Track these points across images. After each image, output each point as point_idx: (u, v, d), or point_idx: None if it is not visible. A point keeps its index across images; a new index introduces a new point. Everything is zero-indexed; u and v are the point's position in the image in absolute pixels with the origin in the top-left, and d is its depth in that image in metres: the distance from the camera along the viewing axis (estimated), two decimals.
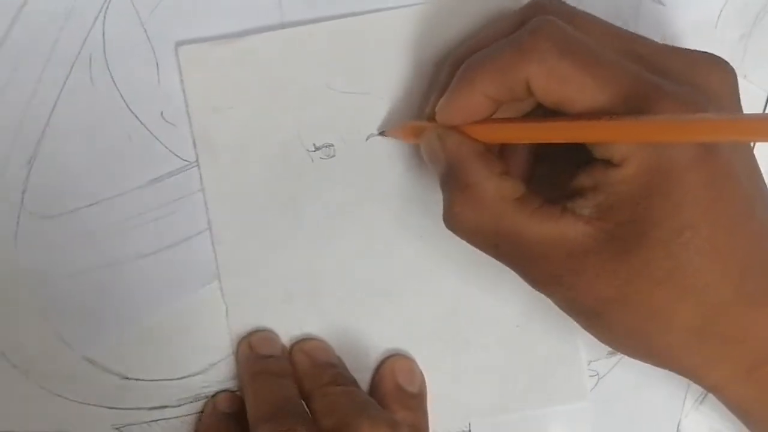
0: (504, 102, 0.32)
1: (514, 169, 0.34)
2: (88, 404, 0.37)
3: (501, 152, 0.35)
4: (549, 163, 0.35)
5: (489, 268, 0.38)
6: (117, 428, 0.37)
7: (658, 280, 0.30)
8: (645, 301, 0.31)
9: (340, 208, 0.37)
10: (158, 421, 0.38)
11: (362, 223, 0.38)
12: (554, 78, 0.30)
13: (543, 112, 0.32)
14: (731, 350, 0.32)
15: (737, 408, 0.34)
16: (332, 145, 0.37)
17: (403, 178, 0.38)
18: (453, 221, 0.32)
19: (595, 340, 0.38)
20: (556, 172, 0.33)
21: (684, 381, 0.38)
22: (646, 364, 0.38)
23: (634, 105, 0.29)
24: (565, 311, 0.33)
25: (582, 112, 0.30)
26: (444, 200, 0.33)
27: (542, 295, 0.37)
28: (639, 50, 0.31)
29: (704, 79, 0.31)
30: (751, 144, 0.33)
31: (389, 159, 0.37)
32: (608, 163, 0.30)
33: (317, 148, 0.37)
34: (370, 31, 0.37)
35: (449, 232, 0.37)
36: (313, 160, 0.37)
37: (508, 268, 0.37)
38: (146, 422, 0.38)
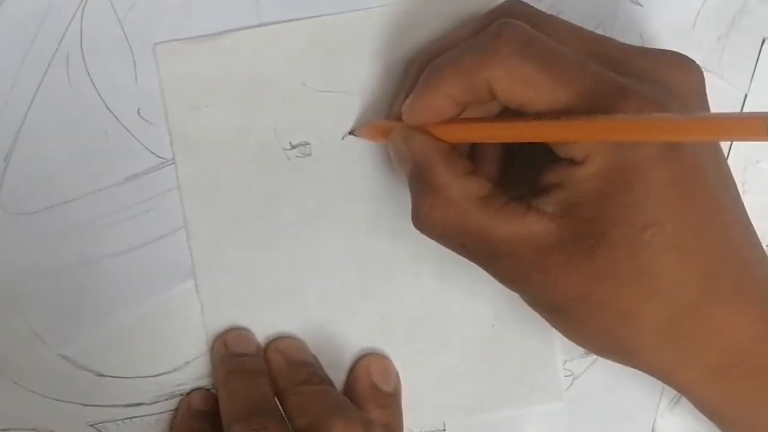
0: (468, 103, 0.32)
1: (484, 168, 0.35)
2: (63, 401, 0.37)
3: (471, 151, 0.35)
4: (520, 161, 0.35)
5: (465, 268, 0.38)
6: (92, 425, 0.37)
7: (623, 280, 0.30)
8: (611, 300, 0.30)
9: (316, 207, 0.37)
10: (133, 419, 0.38)
11: (338, 222, 0.38)
12: (515, 80, 0.30)
13: (511, 112, 0.32)
14: (700, 351, 0.31)
15: (707, 409, 0.34)
16: (308, 144, 0.37)
17: (379, 176, 0.38)
18: (420, 222, 0.33)
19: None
20: (527, 171, 0.33)
21: (659, 381, 0.39)
22: (621, 365, 0.38)
23: (596, 104, 0.29)
24: (534, 308, 0.33)
25: (542, 113, 0.30)
26: (412, 201, 0.33)
27: (517, 295, 0.38)
28: (603, 51, 0.32)
29: (670, 78, 0.31)
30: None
31: (365, 158, 0.37)
32: (571, 162, 0.30)
33: (293, 147, 0.37)
34: (347, 30, 0.37)
35: None
36: (289, 159, 0.37)
37: (483, 270, 0.37)
38: (121, 419, 0.38)
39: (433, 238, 0.33)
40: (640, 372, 0.38)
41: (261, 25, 0.37)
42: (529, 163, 0.33)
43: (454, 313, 0.38)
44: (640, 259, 0.30)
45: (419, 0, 0.37)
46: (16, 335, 0.37)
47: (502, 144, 0.35)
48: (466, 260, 0.37)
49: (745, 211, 0.33)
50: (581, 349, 0.38)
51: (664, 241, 0.30)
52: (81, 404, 0.37)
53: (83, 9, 0.36)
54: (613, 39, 0.33)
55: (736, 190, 0.33)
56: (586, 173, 0.30)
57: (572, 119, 0.29)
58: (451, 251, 0.36)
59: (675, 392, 0.38)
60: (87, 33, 0.36)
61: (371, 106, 0.37)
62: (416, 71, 0.34)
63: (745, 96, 0.38)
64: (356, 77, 0.37)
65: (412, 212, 0.33)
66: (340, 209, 0.38)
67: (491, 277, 0.38)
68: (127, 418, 0.38)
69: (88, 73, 0.36)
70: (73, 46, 0.36)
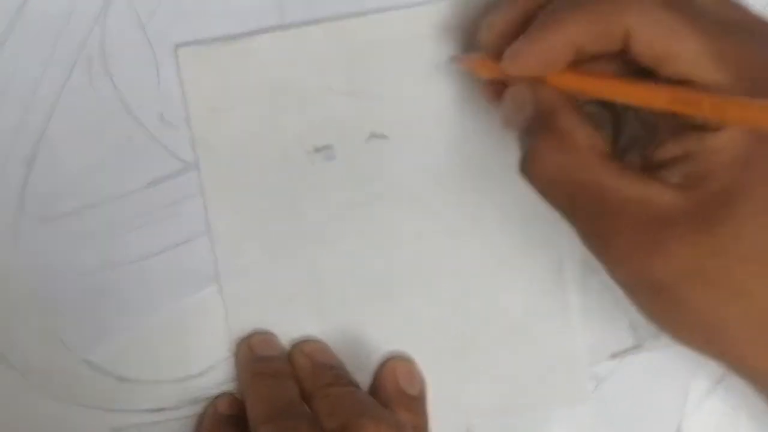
0: (592, 54, 0.30)
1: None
2: (87, 406, 0.37)
3: None
4: (632, 133, 0.33)
5: (490, 271, 0.38)
6: (115, 430, 0.37)
7: (743, 257, 0.28)
8: (725, 279, 0.29)
9: (340, 210, 0.37)
10: (157, 424, 0.38)
11: (362, 225, 0.38)
12: (660, 30, 0.28)
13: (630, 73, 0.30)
14: None
15: None
16: (332, 147, 0.37)
17: (402, 179, 0.37)
18: (534, 166, 0.30)
19: (596, 342, 0.38)
20: (640, 142, 0.31)
21: (685, 383, 0.39)
22: (645, 368, 0.38)
23: (751, 90, 0.27)
24: (625, 286, 0.31)
25: (684, 73, 0.28)
26: (525, 147, 0.31)
27: (543, 297, 0.38)
28: (746, 20, 0.30)
29: None
30: None
31: (389, 160, 0.37)
32: (702, 129, 0.29)
33: (317, 150, 0.37)
34: (370, 32, 0.37)
35: (449, 234, 0.38)
36: (313, 163, 0.37)
37: (510, 269, 0.37)
38: (145, 424, 0.37)
39: (541, 187, 0.31)
40: (666, 375, 0.39)
41: (283, 26, 0.37)
42: (641, 134, 0.31)
43: (478, 315, 0.38)
44: (764, 236, 0.28)
45: (446, 1, 0.36)
46: (40, 341, 0.37)
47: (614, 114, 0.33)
48: (491, 262, 0.37)
49: None
50: (608, 352, 0.38)
51: None
52: (104, 409, 0.37)
53: (105, 13, 0.36)
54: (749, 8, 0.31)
55: None
56: (719, 142, 0.28)
57: (720, 98, 0.27)
58: (476, 253, 0.36)
59: (700, 394, 0.39)
60: (109, 37, 0.36)
61: (395, 108, 0.37)
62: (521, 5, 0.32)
63: None
64: (381, 80, 0.37)
65: (522, 159, 0.31)
66: (364, 212, 0.37)
67: (516, 280, 0.38)
68: (152, 423, 0.37)
69: (111, 78, 0.36)
70: (95, 51, 0.36)
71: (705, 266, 0.29)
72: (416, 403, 0.37)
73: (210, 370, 0.38)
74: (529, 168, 0.31)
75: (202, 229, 0.37)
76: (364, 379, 0.38)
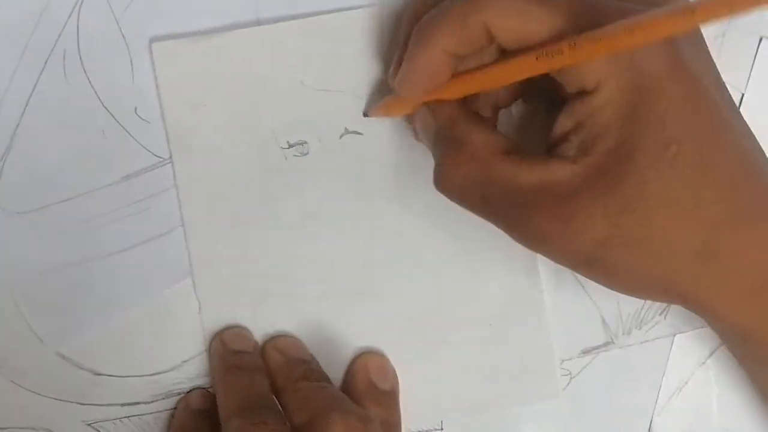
0: (465, 54, 0.32)
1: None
2: (61, 400, 0.37)
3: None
4: (533, 122, 0.34)
5: (464, 267, 0.38)
6: (89, 424, 0.37)
7: (651, 205, 0.30)
8: (641, 230, 0.30)
9: (314, 206, 0.37)
10: (130, 418, 0.38)
11: (336, 221, 0.38)
12: (511, 14, 0.30)
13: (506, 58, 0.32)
14: (734, 270, 0.31)
15: (737, 332, 0.33)
16: (306, 143, 0.37)
17: (376, 175, 0.38)
18: (444, 179, 0.32)
19: (568, 339, 0.38)
20: (539, 130, 0.33)
21: (657, 379, 0.39)
22: (617, 365, 0.39)
23: (590, 23, 0.29)
24: (562, 263, 0.32)
25: (543, 41, 0.30)
26: (435, 162, 0.32)
27: (516, 294, 0.38)
28: None
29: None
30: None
31: (363, 157, 0.37)
32: (584, 94, 0.30)
33: (291, 146, 0.37)
34: (344, 29, 0.37)
35: (423, 231, 0.38)
36: (286, 158, 0.37)
37: (483, 266, 0.37)
38: (119, 418, 0.38)
39: (455, 196, 0.32)
40: (638, 371, 0.39)
41: (258, 22, 0.37)
42: (542, 123, 0.33)
43: (451, 312, 0.38)
44: (665, 180, 0.29)
45: None
46: (13, 334, 0.37)
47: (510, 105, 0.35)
48: (465, 259, 0.38)
49: (750, 130, 0.33)
50: (579, 348, 0.39)
51: (686, 158, 0.29)
52: (78, 403, 0.37)
53: (80, 7, 0.36)
54: None
55: (739, 111, 0.33)
56: (601, 99, 0.29)
57: (574, 38, 0.29)
58: (450, 251, 0.36)
59: (672, 390, 0.39)
60: (83, 31, 0.36)
61: (369, 104, 0.37)
62: (406, 29, 0.34)
63: (742, 95, 0.38)
64: (354, 76, 0.37)
65: (434, 173, 0.32)
66: (338, 208, 0.38)
67: (489, 277, 0.38)
68: (125, 417, 0.38)
69: (85, 72, 0.36)
70: (69, 45, 0.36)
71: (620, 225, 0.30)
72: (388, 398, 0.37)
73: (183, 364, 0.38)
74: (440, 181, 0.32)
75: (176, 224, 0.37)
76: (337, 375, 0.38)
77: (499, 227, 0.32)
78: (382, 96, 0.37)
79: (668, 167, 0.29)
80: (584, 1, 0.30)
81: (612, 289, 0.33)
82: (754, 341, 0.33)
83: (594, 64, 0.29)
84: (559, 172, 0.30)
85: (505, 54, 0.32)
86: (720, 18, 0.26)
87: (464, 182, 0.32)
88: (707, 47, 0.33)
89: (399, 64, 0.33)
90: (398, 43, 0.34)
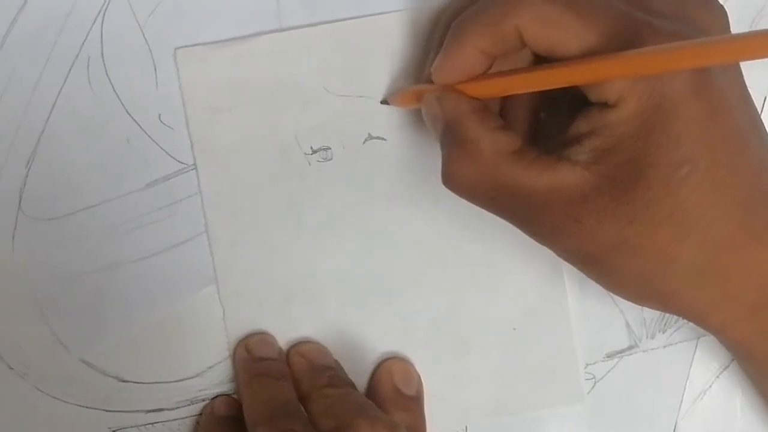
0: (498, 55, 0.32)
1: (516, 126, 0.34)
2: (85, 407, 0.37)
3: (503, 109, 0.35)
4: (552, 118, 0.34)
5: (488, 271, 0.38)
6: (113, 431, 0.37)
7: (659, 221, 0.30)
8: (647, 243, 0.30)
9: (338, 211, 0.37)
10: (155, 424, 0.38)
11: (359, 226, 0.38)
12: (543, 23, 0.30)
13: (540, 63, 0.32)
14: (736, 290, 0.31)
15: (741, 349, 0.33)
16: (329, 148, 0.37)
17: (399, 180, 0.38)
18: (451, 178, 0.32)
19: (592, 343, 0.38)
20: (559, 127, 0.33)
21: (681, 383, 0.39)
22: (641, 369, 0.39)
23: (623, 43, 0.29)
24: (568, 261, 0.33)
25: (573, 56, 0.30)
26: (442, 159, 0.32)
27: (540, 298, 0.38)
28: None
29: (695, 16, 0.31)
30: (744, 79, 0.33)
31: (386, 162, 0.37)
32: (604, 106, 0.30)
33: (314, 151, 0.37)
34: (367, 34, 0.37)
35: (446, 235, 0.38)
36: (310, 163, 0.37)
37: (507, 270, 0.37)
38: (143, 425, 0.38)
39: (463, 195, 0.33)
40: (662, 375, 0.39)
41: (281, 29, 0.37)
42: (561, 119, 0.33)
43: (475, 316, 0.38)
44: (675, 198, 0.30)
45: (440, 3, 0.37)
46: (38, 341, 0.37)
47: (534, 100, 0.35)
48: (488, 263, 0.38)
49: None
50: (603, 352, 0.39)
51: (699, 177, 0.30)
52: (103, 410, 0.37)
53: (104, 14, 0.36)
54: None
55: (765, 131, 0.33)
56: (620, 115, 0.29)
57: (602, 57, 0.29)
58: (472, 255, 0.36)
59: (697, 394, 0.39)
60: (108, 38, 0.36)
61: (392, 110, 0.37)
62: (442, 30, 0.34)
63: (765, 98, 0.38)
64: (377, 81, 0.37)
65: (442, 170, 0.32)
66: (362, 213, 0.38)
67: (513, 281, 0.38)
68: (149, 424, 0.38)
69: (109, 79, 0.36)
70: (93, 52, 0.36)
71: (626, 235, 0.30)
72: (413, 404, 0.37)
73: (208, 370, 0.38)
74: (448, 180, 0.32)
75: (200, 230, 0.37)
76: (361, 381, 0.38)
77: (509, 223, 0.33)
78: (402, 86, 0.37)
79: (679, 186, 0.30)
80: (622, 16, 0.30)
81: (614, 293, 0.34)
82: (756, 358, 0.33)
83: (618, 80, 0.29)
84: (568, 176, 0.30)
85: (538, 59, 0.32)
86: (758, 58, 0.26)
87: (471, 182, 0.32)
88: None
89: (434, 58, 0.33)
90: (435, 40, 0.34)
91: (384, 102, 0.37)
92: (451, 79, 0.33)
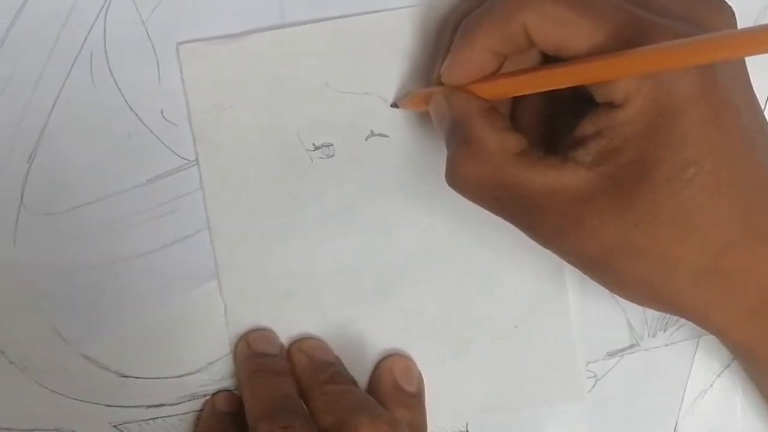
0: (507, 54, 0.32)
1: (525, 128, 0.34)
2: (86, 402, 0.37)
3: (513, 112, 0.35)
4: (561, 121, 0.34)
5: (489, 269, 0.38)
6: (115, 426, 0.37)
7: (663, 222, 0.30)
8: (651, 244, 0.30)
9: (339, 208, 0.38)
10: (156, 420, 0.38)
11: (361, 223, 0.38)
12: (551, 22, 0.30)
13: (549, 63, 0.32)
14: (737, 289, 0.31)
15: (742, 350, 0.33)
16: (331, 145, 0.37)
17: (402, 177, 0.38)
18: (455, 176, 0.32)
19: (593, 341, 0.38)
20: (568, 130, 0.33)
21: (682, 382, 0.39)
22: (642, 367, 0.39)
23: (630, 42, 0.29)
24: (571, 264, 0.33)
25: (581, 54, 0.30)
26: (447, 157, 0.32)
27: (541, 296, 0.38)
28: None
29: (701, 15, 0.31)
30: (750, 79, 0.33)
31: (388, 159, 0.37)
32: (610, 106, 0.30)
33: (317, 148, 0.37)
34: (370, 31, 0.37)
35: (448, 232, 0.38)
36: (312, 160, 0.37)
37: (508, 268, 0.37)
38: (144, 420, 0.38)
39: (467, 194, 0.33)
40: (663, 373, 0.39)
41: (284, 25, 0.37)
42: (570, 121, 0.33)
43: (476, 313, 0.38)
44: (679, 199, 0.30)
45: (441, 0, 0.36)
46: (39, 336, 0.37)
47: (544, 103, 0.35)
48: (489, 260, 0.38)
49: None
50: (604, 350, 0.39)
51: (704, 179, 0.29)
52: (104, 405, 0.37)
53: (107, 9, 0.36)
54: None
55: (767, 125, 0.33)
56: (626, 115, 0.30)
57: (609, 56, 0.29)
58: (473, 252, 0.36)
59: (697, 393, 0.39)
60: (110, 33, 0.36)
61: (397, 97, 0.37)
62: (451, 31, 0.34)
63: None
64: (379, 78, 0.37)
65: (446, 169, 0.32)
66: (363, 210, 0.38)
67: (514, 278, 0.38)
68: (150, 419, 0.38)
69: (112, 74, 0.36)
70: (96, 47, 0.36)
71: (630, 237, 0.30)
72: (414, 401, 0.37)
73: (209, 366, 0.38)
74: (452, 178, 0.32)
75: (201, 226, 0.37)
76: (362, 377, 0.38)
77: (512, 224, 0.33)
78: (411, 89, 0.37)
79: (684, 188, 0.30)
80: (629, 15, 0.30)
81: (617, 294, 0.34)
82: (757, 359, 0.33)
83: (625, 79, 0.29)
84: (573, 177, 0.30)
85: (546, 60, 0.32)
86: (756, 53, 0.26)
87: (476, 181, 0.32)
88: (743, 61, 0.33)
89: (443, 60, 0.33)
90: (444, 42, 0.34)
91: (394, 105, 0.37)
92: (461, 80, 0.33)
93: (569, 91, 0.32)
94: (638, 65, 0.28)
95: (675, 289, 0.31)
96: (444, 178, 0.33)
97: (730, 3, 0.33)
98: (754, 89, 0.33)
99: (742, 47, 0.27)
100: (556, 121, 0.35)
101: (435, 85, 0.34)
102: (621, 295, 0.33)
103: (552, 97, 0.34)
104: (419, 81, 0.37)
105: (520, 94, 0.33)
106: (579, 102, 0.32)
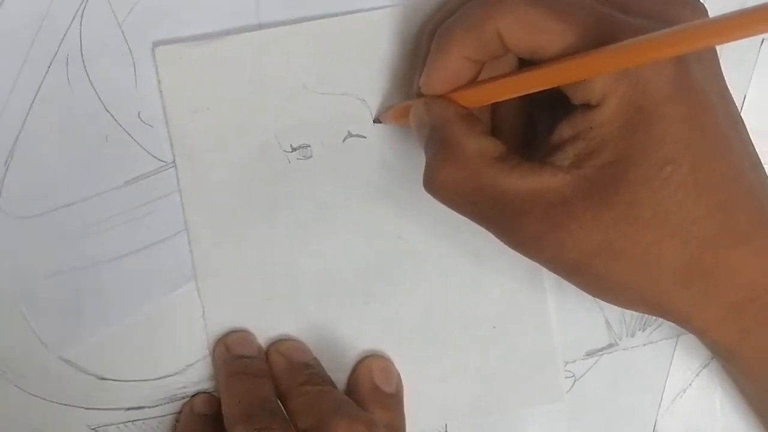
0: (482, 61, 0.32)
1: (506, 131, 0.35)
2: (65, 404, 0.37)
3: (493, 117, 0.35)
4: (542, 123, 0.34)
5: (468, 270, 0.38)
6: (93, 429, 0.37)
7: (642, 222, 0.30)
8: (631, 246, 0.30)
9: (317, 209, 0.37)
10: (135, 422, 0.38)
11: (339, 224, 0.38)
12: (524, 26, 0.30)
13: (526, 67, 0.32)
14: (718, 287, 0.31)
15: (722, 349, 0.33)
16: (309, 146, 0.37)
17: (380, 179, 0.38)
18: (433, 181, 0.32)
19: (572, 341, 0.38)
20: (547, 132, 0.33)
21: (661, 381, 0.39)
22: (621, 367, 0.39)
23: (603, 43, 0.29)
24: (551, 270, 0.33)
25: (554, 57, 0.30)
26: (426, 163, 0.32)
27: (519, 296, 0.38)
28: None
29: (674, 14, 0.31)
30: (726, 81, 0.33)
31: (366, 159, 0.37)
32: (587, 108, 0.30)
33: (294, 149, 0.37)
34: (347, 32, 0.37)
35: (426, 234, 0.38)
36: (290, 161, 0.37)
37: (487, 268, 0.37)
38: (123, 423, 0.38)
39: (444, 199, 0.32)
40: (642, 373, 0.39)
41: (261, 26, 0.37)
42: (551, 126, 0.32)
43: (455, 314, 0.38)
44: (658, 198, 0.30)
45: (419, 1, 0.36)
46: (17, 339, 0.37)
47: (524, 109, 0.35)
48: (468, 262, 0.38)
49: (756, 152, 0.33)
50: (583, 351, 0.39)
51: (681, 177, 0.30)
52: (83, 407, 0.37)
53: (83, 12, 0.36)
54: None
55: (746, 131, 0.33)
56: (603, 115, 0.30)
57: (582, 55, 0.29)
58: (453, 252, 0.36)
59: (676, 392, 0.39)
60: (86, 36, 0.36)
61: (372, 108, 0.37)
62: (426, 42, 0.34)
63: (744, 96, 0.38)
64: (357, 79, 0.37)
65: (424, 174, 0.32)
66: (341, 211, 0.38)
67: (493, 279, 0.38)
68: (129, 422, 0.38)
69: (88, 76, 0.36)
70: (72, 49, 0.36)
71: (610, 238, 0.30)
72: (392, 401, 0.37)
73: (188, 368, 0.38)
74: (430, 183, 0.32)
75: (179, 228, 0.37)
76: (341, 378, 0.38)
77: (489, 231, 0.33)
78: (393, 103, 0.37)
79: (662, 187, 0.30)
80: (601, 16, 0.30)
81: (598, 298, 0.34)
82: (737, 358, 0.33)
83: (600, 79, 0.29)
84: (551, 180, 0.30)
85: (523, 65, 0.32)
86: (734, 39, 0.25)
87: (454, 187, 0.32)
88: (717, 60, 0.33)
89: (422, 71, 0.33)
90: (422, 54, 0.34)
91: (377, 120, 0.37)
92: (439, 89, 0.33)
93: (548, 95, 0.32)
94: (609, 62, 0.28)
95: (656, 289, 0.31)
96: (422, 182, 0.33)
97: (705, 2, 0.33)
98: (729, 88, 0.33)
99: (712, 36, 0.26)
100: (537, 126, 0.35)
101: (416, 97, 0.34)
102: (602, 299, 0.33)
103: (532, 101, 0.34)
104: (399, 88, 0.37)
105: (498, 100, 0.33)
106: (559, 106, 0.32)
